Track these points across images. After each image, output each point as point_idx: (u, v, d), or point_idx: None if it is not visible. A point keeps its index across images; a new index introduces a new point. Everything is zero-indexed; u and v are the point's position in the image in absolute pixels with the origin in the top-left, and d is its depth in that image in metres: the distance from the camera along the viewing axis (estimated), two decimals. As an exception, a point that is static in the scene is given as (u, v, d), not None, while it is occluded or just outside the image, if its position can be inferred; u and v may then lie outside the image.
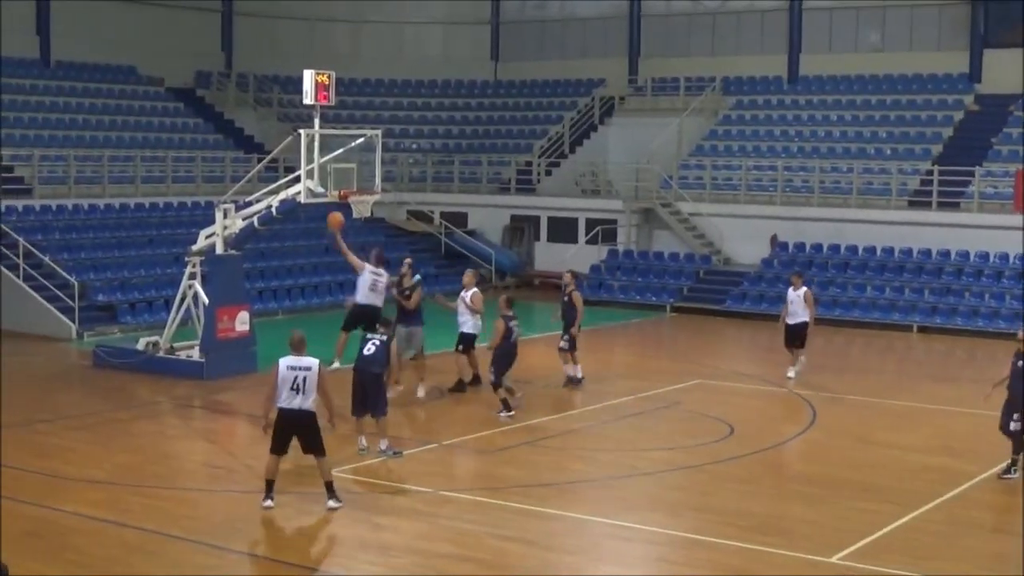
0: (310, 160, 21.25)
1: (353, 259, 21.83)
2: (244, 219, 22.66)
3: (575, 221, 37.52)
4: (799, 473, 17.19)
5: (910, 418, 20.43)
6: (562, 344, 22.08)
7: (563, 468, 16.87)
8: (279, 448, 14.34)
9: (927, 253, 31.98)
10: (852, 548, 13.35)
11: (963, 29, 37.83)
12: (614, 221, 36.58)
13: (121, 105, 37.45)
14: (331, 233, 22.29)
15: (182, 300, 23.21)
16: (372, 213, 23.04)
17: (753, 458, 17.51)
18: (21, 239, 28.04)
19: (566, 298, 22.20)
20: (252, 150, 38.00)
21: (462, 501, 15.04)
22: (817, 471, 16.93)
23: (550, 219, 38.30)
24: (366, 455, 16.85)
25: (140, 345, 23.48)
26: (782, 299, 23.73)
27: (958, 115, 36.39)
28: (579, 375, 22.23)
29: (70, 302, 27.17)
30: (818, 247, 33.36)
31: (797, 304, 22.94)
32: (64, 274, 27.73)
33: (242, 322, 22.94)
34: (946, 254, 31.76)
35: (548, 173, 39.75)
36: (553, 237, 38.05)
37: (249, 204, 22.99)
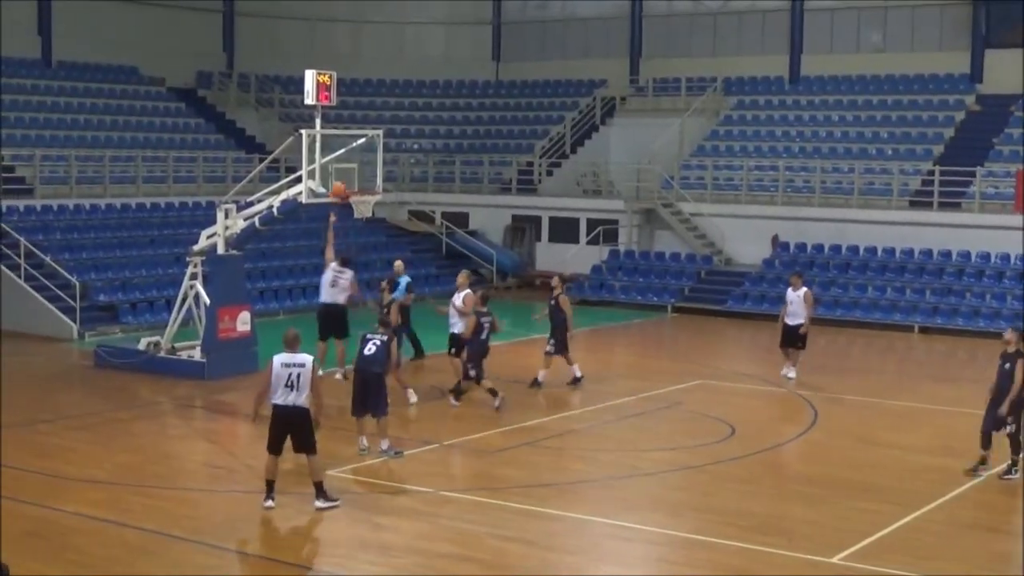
0: (311, 160, 21.26)
1: (330, 253, 22.03)
2: (245, 219, 22.67)
3: (576, 221, 37.52)
4: (800, 473, 17.18)
5: (911, 418, 20.43)
6: (548, 348, 22.01)
7: (563, 468, 16.88)
8: (276, 447, 14.35)
9: (928, 253, 31.98)
10: (853, 548, 13.35)
11: (964, 29, 37.82)
12: (615, 221, 36.58)
13: (122, 105, 37.46)
14: (334, 207, 22.37)
15: (183, 300, 23.23)
16: (373, 213, 23.05)
17: (754, 458, 17.51)
18: (22, 239, 28.06)
19: (553, 302, 22.14)
20: (253, 150, 38.01)
21: (463, 501, 15.04)
22: (818, 471, 16.93)
23: (551, 219, 38.30)
24: (367, 455, 16.85)
25: (141, 345, 23.49)
26: (783, 299, 23.70)
27: (959, 115, 36.38)
28: (578, 374, 22.24)
29: (71, 302, 27.18)
30: (819, 247, 33.35)
31: (797, 305, 22.94)
32: (65, 274, 27.74)
33: (243, 322, 22.95)
34: (947, 254, 31.76)
35: (549, 173, 39.75)
36: (554, 237, 38.05)
37: (250, 204, 23.01)
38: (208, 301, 22.75)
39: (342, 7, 44.19)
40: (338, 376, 21.18)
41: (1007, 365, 16.15)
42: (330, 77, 21.39)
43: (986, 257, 31.28)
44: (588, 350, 27.99)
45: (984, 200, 32.64)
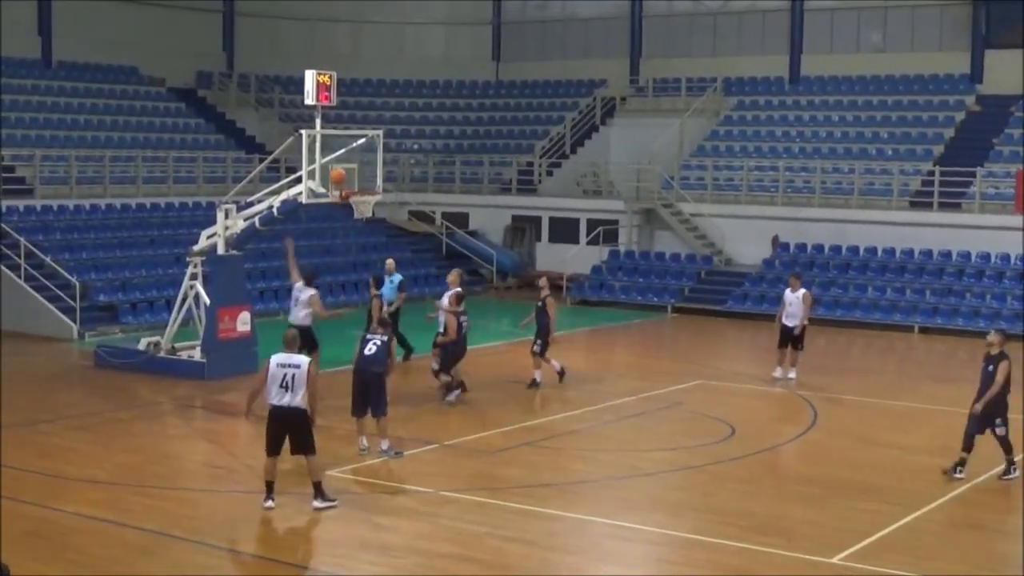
0: (311, 160, 21.24)
1: (294, 274, 21.60)
2: (245, 219, 22.67)
3: (576, 221, 37.51)
4: (800, 473, 17.18)
5: (911, 419, 20.44)
6: (534, 348, 22.02)
7: (563, 468, 16.87)
8: (273, 448, 14.34)
9: (928, 254, 31.98)
10: (853, 548, 13.36)
11: (964, 30, 37.83)
12: (615, 222, 36.57)
13: (122, 105, 37.47)
14: (284, 247, 22.18)
15: (183, 300, 23.23)
16: (373, 213, 23.02)
17: (754, 459, 17.51)
18: (22, 239, 28.06)
19: (540, 303, 22.13)
20: (253, 150, 38.02)
21: (463, 501, 15.04)
22: (818, 471, 16.93)
23: (551, 219, 38.29)
24: (367, 455, 16.86)
25: (141, 345, 23.49)
26: (782, 300, 23.66)
27: (959, 116, 36.39)
28: (557, 367, 22.20)
29: (71, 302, 27.18)
30: (819, 248, 33.35)
31: (796, 306, 22.87)
32: (65, 274, 27.74)
33: (243, 322, 22.94)
34: (947, 255, 31.76)
35: (549, 173, 39.75)
36: (554, 237, 38.05)
37: (250, 204, 23.01)
38: (208, 301, 22.75)
39: (342, 7, 44.20)
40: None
41: (991, 367, 16.14)
42: (330, 77, 21.38)
43: (986, 257, 31.29)
44: (588, 350, 28.05)
45: (984, 200, 32.64)
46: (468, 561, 12.90)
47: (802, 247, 33.58)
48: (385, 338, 16.80)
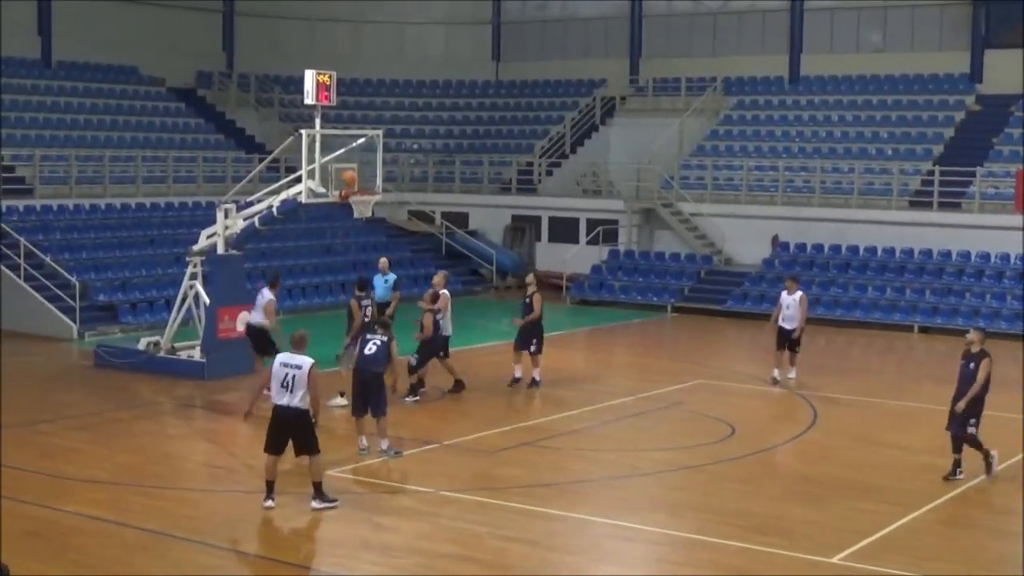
0: (311, 160, 21.26)
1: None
2: (245, 219, 22.67)
3: (576, 221, 37.52)
4: (800, 473, 17.17)
5: (911, 418, 20.44)
6: (531, 348, 21.90)
7: (564, 468, 16.88)
8: (273, 447, 14.34)
9: (928, 253, 31.98)
10: (853, 548, 13.36)
11: (964, 29, 37.83)
12: (615, 221, 36.58)
13: (122, 105, 37.47)
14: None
15: (183, 300, 23.23)
16: (373, 213, 23.03)
17: (754, 458, 17.52)
18: (22, 239, 28.06)
19: (527, 300, 22.05)
20: (253, 150, 38.02)
21: (463, 501, 15.04)
22: (818, 471, 16.93)
23: (551, 219, 38.30)
24: (367, 455, 16.86)
25: (141, 345, 23.50)
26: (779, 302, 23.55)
27: (959, 115, 36.39)
28: (517, 375, 21.92)
29: (71, 302, 27.18)
30: (819, 247, 33.35)
31: (794, 309, 22.71)
32: (65, 274, 27.74)
33: (243, 322, 22.92)
34: (947, 254, 31.76)
35: (549, 173, 39.76)
36: (554, 237, 38.05)
37: (250, 204, 23.01)
38: (208, 301, 22.75)
39: (342, 7, 44.20)
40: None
41: (971, 365, 16.10)
42: (330, 77, 21.39)
43: (986, 257, 31.29)
44: (588, 350, 28.07)
45: (984, 200, 32.65)
46: (468, 561, 12.90)
47: (802, 247, 33.58)
48: (385, 338, 16.80)
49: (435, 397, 20.91)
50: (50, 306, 27.19)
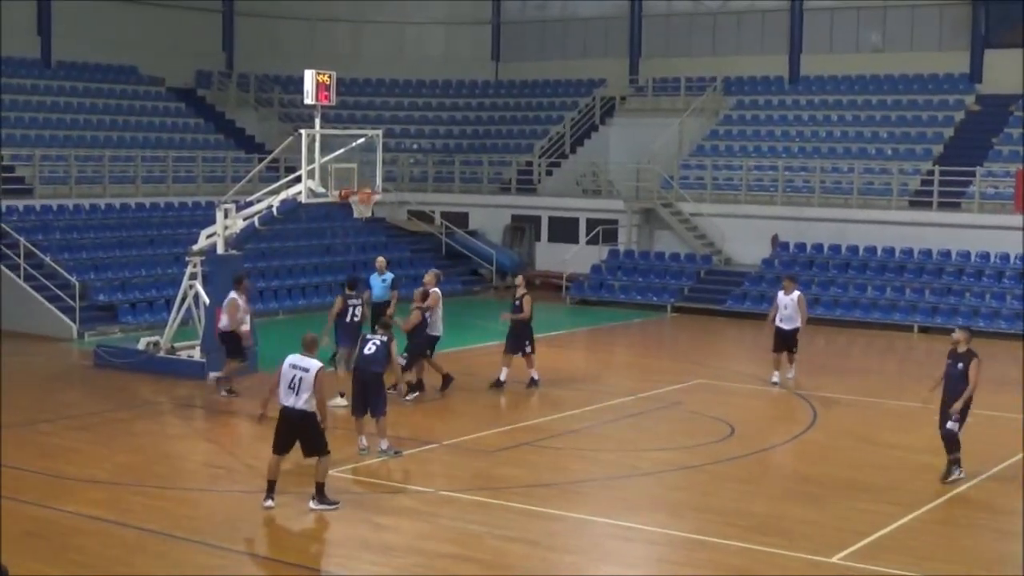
0: (311, 160, 21.25)
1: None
2: (245, 219, 22.67)
3: (576, 221, 37.53)
4: (800, 473, 17.18)
5: (911, 418, 20.40)
6: (526, 348, 21.87)
7: (564, 468, 16.88)
8: (279, 447, 14.36)
9: (928, 253, 31.99)
10: (853, 548, 13.36)
11: (964, 29, 37.84)
12: (615, 221, 36.59)
13: (122, 105, 37.47)
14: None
15: (183, 300, 23.23)
16: (373, 213, 23.02)
17: (754, 458, 17.53)
18: (22, 239, 28.06)
19: (517, 302, 21.99)
20: (253, 150, 38.02)
21: (463, 501, 15.04)
22: (817, 471, 16.93)
23: (551, 219, 38.30)
24: (366, 455, 16.86)
25: (141, 345, 23.50)
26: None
27: (959, 115, 36.40)
28: (502, 378, 21.76)
29: (71, 302, 27.18)
30: (819, 247, 33.35)
31: (791, 309, 22.58)
32: (65, 274, 27.74)
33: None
34: (947, 254, 31.77)
35: (549, 173, 39.76)
36: (554, 237, 38.06)
37: (250, 204, 23.01)
38: (207, 301, 22.74)
39: (342, 7, 44.20)
40: (223, 394, 20.77)
41: (959, 365, 16.03)
42: (330, 77, 21.39)
43: (986, 257, 31.29)
44: (588, 350, 28.08)
45: (984, 200, 32.66)
46: (468, 561, 12.90)
47: (802, 247, 33.58)
48: (385, 338, 16.81)
49: (434, 397, 20.91)
50: (50, 306, 27.18)
